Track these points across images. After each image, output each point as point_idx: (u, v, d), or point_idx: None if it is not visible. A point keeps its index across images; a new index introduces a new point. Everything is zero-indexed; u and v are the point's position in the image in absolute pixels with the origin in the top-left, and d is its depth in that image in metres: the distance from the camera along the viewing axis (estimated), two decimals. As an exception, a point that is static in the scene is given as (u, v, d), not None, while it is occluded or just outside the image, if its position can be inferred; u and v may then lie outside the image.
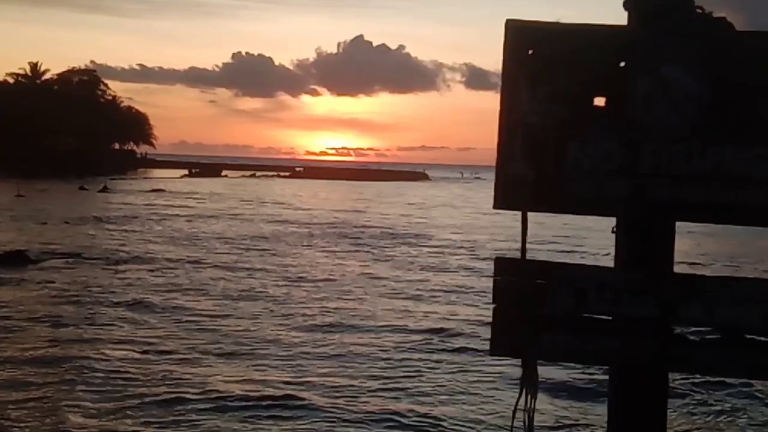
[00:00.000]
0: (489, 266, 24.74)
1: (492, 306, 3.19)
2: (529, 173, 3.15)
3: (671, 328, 3.11)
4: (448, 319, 19.05)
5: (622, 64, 3.11)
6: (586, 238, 39.97)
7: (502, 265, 3.26)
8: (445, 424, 11.42)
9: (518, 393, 3.27)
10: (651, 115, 3.08)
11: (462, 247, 35.97)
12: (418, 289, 23.61)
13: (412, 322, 18.60)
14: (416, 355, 15.40)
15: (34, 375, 13.41)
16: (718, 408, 12.56)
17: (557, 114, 3.12)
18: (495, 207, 3.26)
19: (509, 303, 3.17)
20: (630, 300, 3.08)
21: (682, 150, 3.07)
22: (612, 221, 3.27)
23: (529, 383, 3.23)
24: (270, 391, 12.58)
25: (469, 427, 11.35)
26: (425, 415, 11.69)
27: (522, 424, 3.25)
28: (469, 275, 26.77)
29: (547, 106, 3.12)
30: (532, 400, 3.23)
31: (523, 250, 3.33)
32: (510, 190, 3.19)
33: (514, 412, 3.26)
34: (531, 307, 3.14)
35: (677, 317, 3.10)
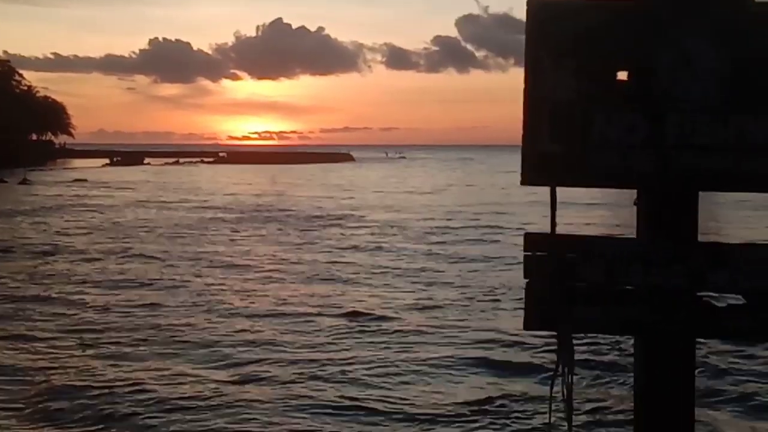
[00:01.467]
0: (418, 246, 24.87)
1: (524, 281, 3.27)
2: (556, 149, 3.20)
3: (699, 296, 3.18)
4: (375, 302, 19.06)
5: (645, 37, 3.16)
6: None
7: (532, 239, 3.31)
8: (380, 408, 11.43)
9: (555, 367, 3.32)
10: (674, 87, 3.14)
11: (392, 227, 36.13)
12: (345, 272, 23.48)
13: (337, 305, 18.33)
14: (345, 341, 15.17)
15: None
16: (744, 378, 12.67)
17: (582, 89, 3.17)
18: (523, 183, 3.31)
19: (540, 277, 3.22)
20: (659, 270, 3.15)
21: (706, 121, 3.14)
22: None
23: (565, 356, 3.27)
24: (199, 387, 12.22)
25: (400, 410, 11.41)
26: (354, 401, 11.56)
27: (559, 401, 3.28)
28: (399, 256, 26.89)
29: (571, 82, 3.17)
30: (570, 374, 3.27)
31: (553, 224, 3.36)
32: (537, 166, 3.25)
33: (552, 386, 3.33)
34: (562, 281, 3.19)
35: (705, 285, 3.16)
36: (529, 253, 3.29)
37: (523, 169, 3.28)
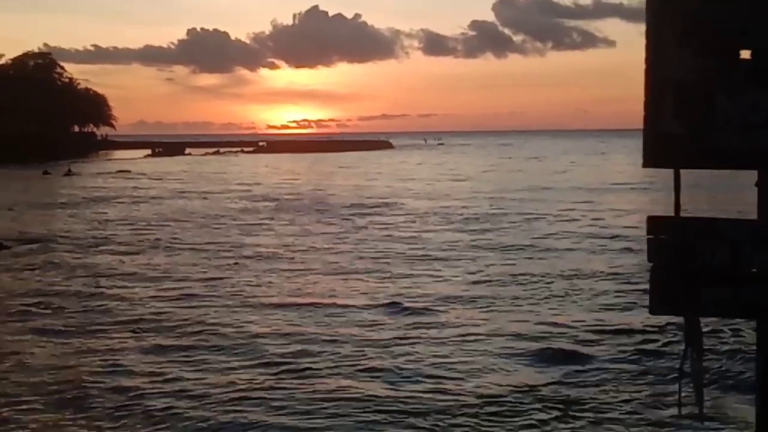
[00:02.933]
0: (460, 234, 24.69)
1: (649, 265, 3.20)
2: (679, 130, 3.12)
3: None
4: (419, 292, 19.00)
5: None
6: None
7: (655, 223, 3.24)
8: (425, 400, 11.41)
9: (683, 351, 3.29)
10: (798, 66, 3.05)
11: (433, 214, 36.14)
12: (387, 261, 23.43)
13: (380, 296, 18.20)
14: (387, 332, 15.05)
15: (29, 358, 13.44)
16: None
17: (705, 69, 3.11)
18: (645, 166, 3.23)
19: (666, 261, 3.16)
20: None
21: (830, 100, 3.04)
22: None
23: (694, 340, 3.24)
24: (239, 380, 12.27)
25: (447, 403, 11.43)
26: (399, 395, 11.45)
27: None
28: (441, 244, 26.86)
29: (695, 61, 3.11)
30: (698, 359, 3.24)
31: (677, 207, 3.30)
32: (660, 148, 3.16)
33: (681, 371, 3.30)
34: (687, 264, 3.13)
35: None
36: (652, 237, 3.22)
37: (644, 151, 3.19)
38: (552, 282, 19.78)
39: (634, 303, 17.15)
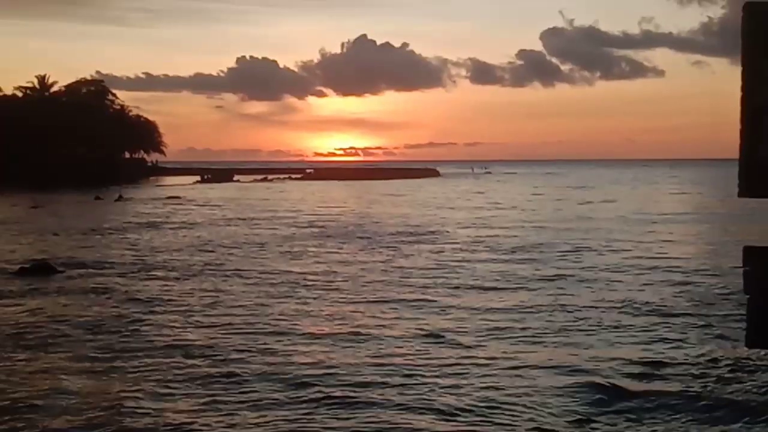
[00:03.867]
0: (506, 264, 24.47)
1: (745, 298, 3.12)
2: None
3: None
4: (463, 325, 19.05)
5: None
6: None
7: (752, 254, 3.08)
8: None
9: None
10: None
11: (480, 243, 36.06)
12: (432, 291, 23.50)
13: (425, 328, 18.04)
14: (435, 365, 15.05)
15: (81, 383, 13.65)
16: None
17: None
18: (740, 196, 3.14)
19: (764, 292, 2.99)
20: None
21: None
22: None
23: None
24: (280, 412, 12.61)
25: None
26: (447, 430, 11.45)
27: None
28: (487, 274, 26.74)
29: None
30: None
31: None
32: (757, 176, 3.02)
33: None
34: None
35: None
36: (748, 268, 3.09)
37: (740, 180, 3.09)
38: (601, 313, 19.60)
39: (684, 336, 16.99)
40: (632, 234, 40.11)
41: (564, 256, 31.38)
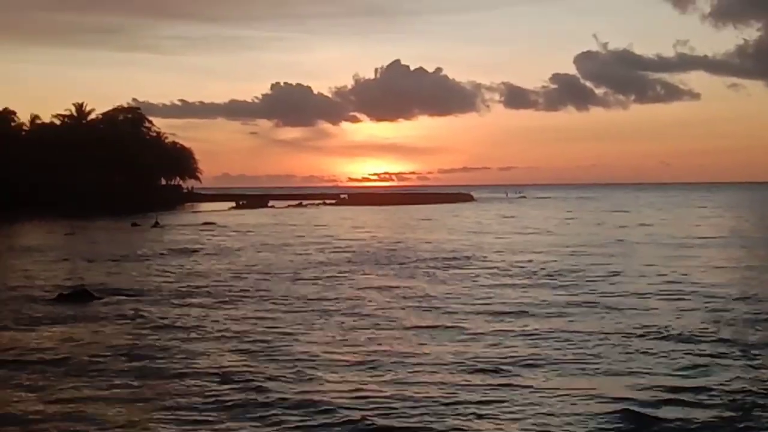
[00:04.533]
0: (542, 290, 24.24)
1: None
2: None
3: None
4: (503, 353, 19.01)
5: None
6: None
7: None
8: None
9: None
10: None
11: (516, 268, 35.94)
12: (468, 319, 23.50)
13: (462, 357, 17.86)
14: (472, 394, 14.86)
15: (117, 410, 13.81)
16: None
17: None
18: None
19: None
20: None
21: None
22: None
23: None
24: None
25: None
26: None
27: None
28: (522, 299, 26.67)
29: None
30: None
31: None
32: None
33: None
34: None
35: None
36: None
37: None
38: (637, 340, 19.50)
39: (721, 363, 16.84)
40: (668, 258, 39.81)
41: (600, 281, 31.19)
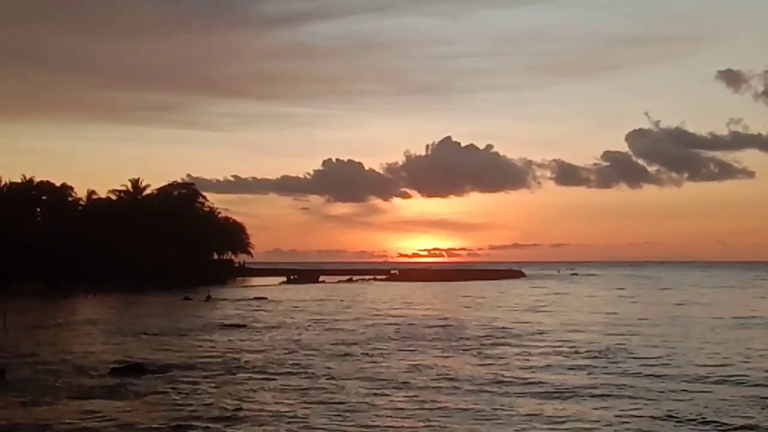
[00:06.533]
0: (597, 372, 23.87)
1: None
2: None
3: None
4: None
5: None
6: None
7: None
8: None
9: None
10: None
11: (564, 347, 35.49)
12: (521, 396, 23.43)
13: None
14: None
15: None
16: None
17: None
18: None
19: None
20: None
21: None
22: None
23: None
24: None
25: None
26: None
27: None
28: (580, 379, 26.39)
29: None
30: None
31: None
32: None
33: None
34: None
35: None
36: None
37: None
38: (687, 424, 19.22)
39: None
40: (724, 339, 39.13)
41: (654, 362, 30.69)
